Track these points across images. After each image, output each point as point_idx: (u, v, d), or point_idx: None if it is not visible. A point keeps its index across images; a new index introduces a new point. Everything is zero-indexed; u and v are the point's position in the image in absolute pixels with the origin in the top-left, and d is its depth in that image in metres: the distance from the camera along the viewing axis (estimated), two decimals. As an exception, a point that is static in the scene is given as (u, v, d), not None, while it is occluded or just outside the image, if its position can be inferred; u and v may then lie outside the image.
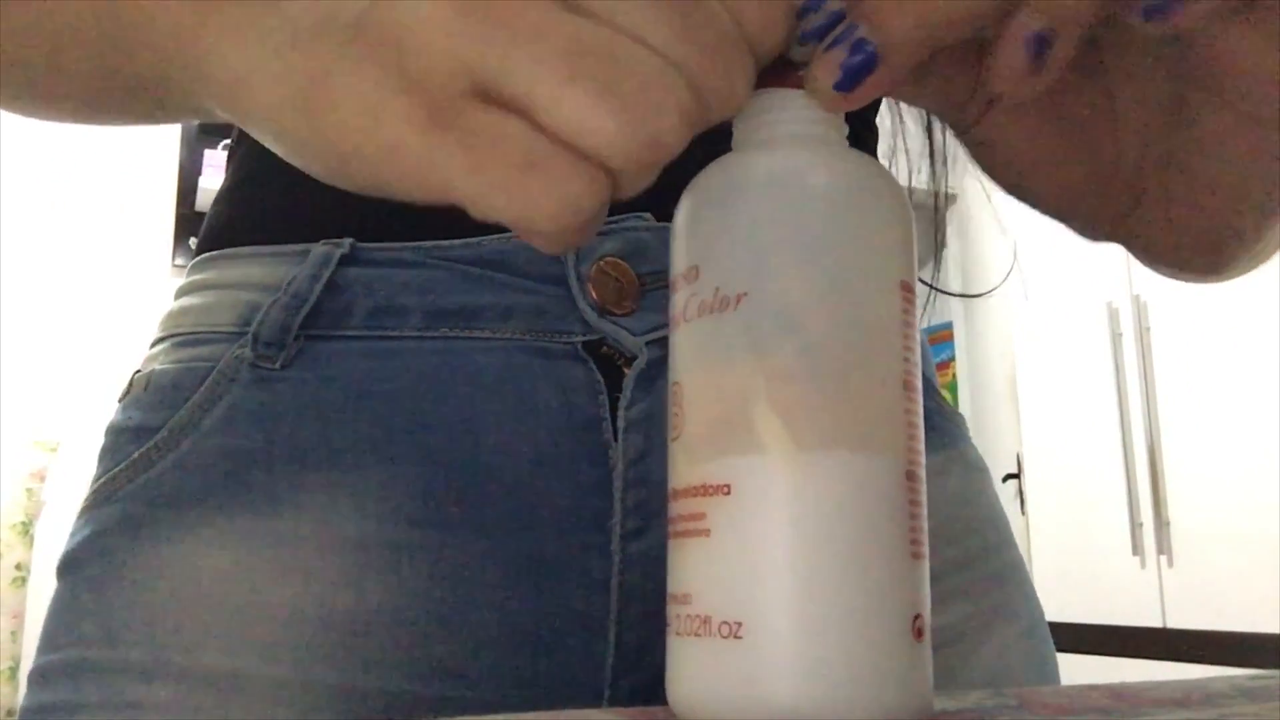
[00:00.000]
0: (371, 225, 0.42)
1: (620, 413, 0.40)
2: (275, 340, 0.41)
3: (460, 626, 0.38)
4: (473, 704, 0.38)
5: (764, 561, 0.23)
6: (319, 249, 0.42)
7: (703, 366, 0.24)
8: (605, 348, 0.41)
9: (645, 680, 0.40)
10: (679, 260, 0.26)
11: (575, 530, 0.40)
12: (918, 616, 0.23)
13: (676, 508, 0.25)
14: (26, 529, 2.61)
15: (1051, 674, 0.49)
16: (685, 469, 0.24)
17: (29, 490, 2.59)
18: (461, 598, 0.39)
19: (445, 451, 0.40)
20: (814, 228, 0.24)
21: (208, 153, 2.83)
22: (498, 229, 0.42)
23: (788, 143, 0.25)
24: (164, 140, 2.81)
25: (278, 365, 0.41)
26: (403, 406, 0.40)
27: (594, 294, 0.41)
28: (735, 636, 0.22)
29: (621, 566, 0.40)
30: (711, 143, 0.41)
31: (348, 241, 0.42)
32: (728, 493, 0.23)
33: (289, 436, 0.40)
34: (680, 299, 0.25)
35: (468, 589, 0.39)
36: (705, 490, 0.24)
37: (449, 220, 0.42)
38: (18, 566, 2.61)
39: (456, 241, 0.42)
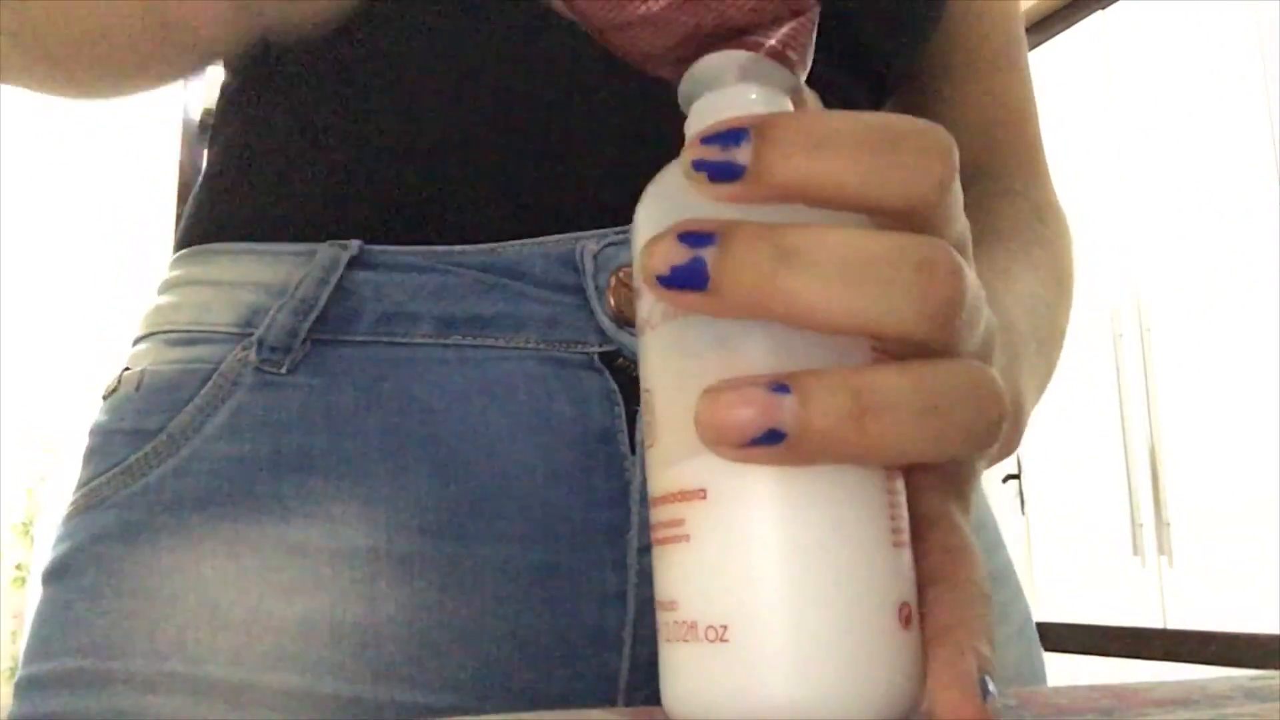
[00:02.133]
0: (378, 225, 0.42)
1: (637, 425, 0.40)
2: (282, 345, 0.40)
3: (472, 639, 0.38)
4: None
5: (744, 562, 0.22)
6: (326, 250, 0.41)
7: (671, 371, 0.24)
8: (621, 359, 0.41)
9: (659, 695, 0.39)
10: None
11: (590, 543, 0.39)
12: (904, 605, 0.23)
13: (656, 515, 0.25)
14: (27, 529, 2.61)
15: (1040, 673, 0.49)
16: (661, 476, 0.24)
17: (30, 490, 2.59)
18: (474, 610, 0.38)
19: (458, 462, 0.39)
20: (771, 220, 0.23)
21: (208, 153, 2.83)
22: (514, 234, 0.41)
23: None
24: (164, 140, 2.81)
25: (284, 370, 0.40)
26: (414, 415, 0.39)
27: (611, 304, 0.40)
28: (722, 640, 0.22)
29: (637, 580, 0.39)
30: None
31: (355, 243, 0.41)
32: (704, 496, 0.23)
33: (297, 443, 0.39)
34: (644, 305, 0.25)
35: (480, 601, 0.38)
36: (682, 495, 0.23)
37: (461, 225, 0.41)
38: (18, 567, 2.61)
39: (470, 247, 0.41)
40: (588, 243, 0.41)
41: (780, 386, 0.21)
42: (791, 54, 0.25)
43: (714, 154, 0.22)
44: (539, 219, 0.41)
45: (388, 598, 0.38)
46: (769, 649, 0.22)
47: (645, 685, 0.39)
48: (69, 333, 2.64)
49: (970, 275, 0.23)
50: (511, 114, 0.41)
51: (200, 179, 0.48)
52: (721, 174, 0.22)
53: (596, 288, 0.41)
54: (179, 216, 2.80)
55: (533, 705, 0.38)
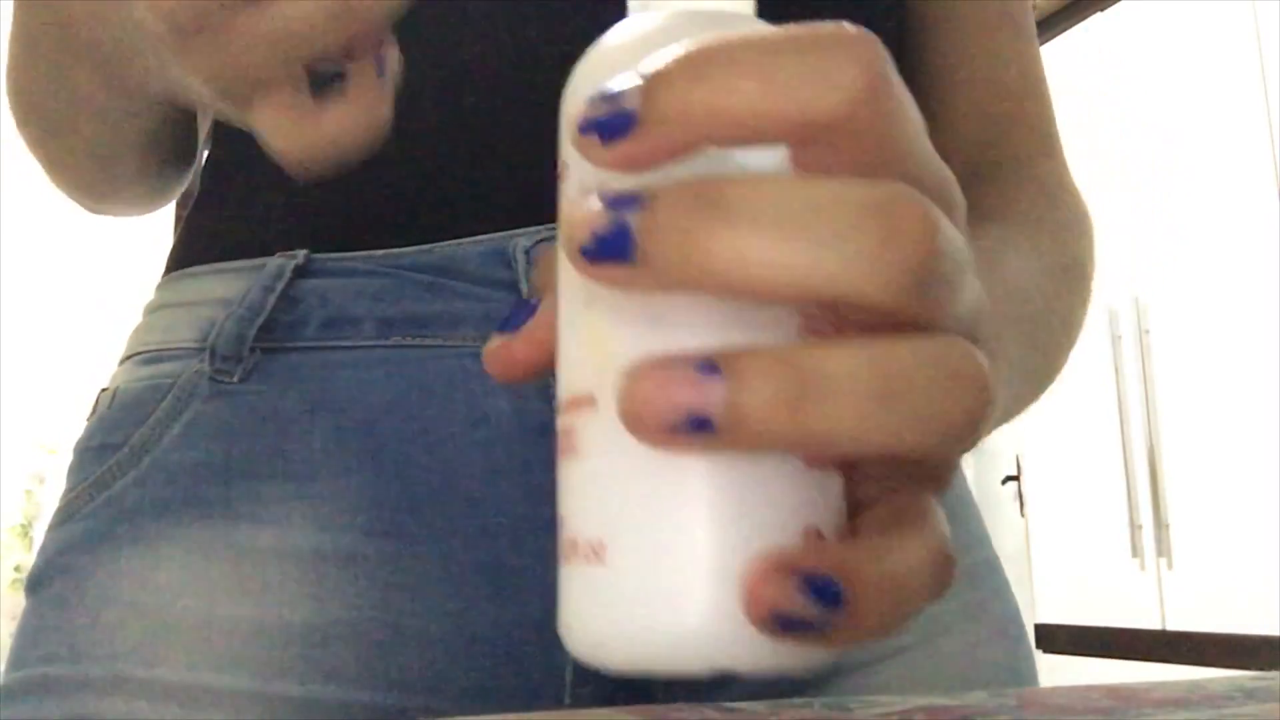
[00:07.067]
0: (326, 236, 0.43)
1: None
2: (231, 354, 0.41)
3: (418, 637, 0.39)
4: (432, 714, 0.38)
5: (624, 475, 0.20)
6: (274, 261, 0.42)
7: (569, 271, 0.22)
8: None
9: (605, 689, 0.40)
10: (561, 151, 0.23)
11: (532, 538, 0.40)
12: (812, 529, 0.20)
13: (558, 424, 0.22)
14: (26, 531, 2.61)
15: (1026, 673, 0.47)
16: (561, 384, 0.22)
17: (29, 492, 2.59)
18: (419, 608, 0.39)
19: (398, 462, 0.40)
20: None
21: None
22: (450, 234, 0.42)
23: (686, 13, 0.22)
24: (164, 142, 2.82)
25: (236, 378, 0.41)
26: (355, 417, 0.40)
27: None
28: (598, 560, 0.20)
29: None
30: None
31: (302, 253, 0.42)
32: (593, 404, 0.21)
33: (246, 450, 0.40)
34: (560, 199, 0.23)
35: (425, 599, 0.39)
36: (574, 404, 0.21)
37: (402, 228, 0.43)
38: (17, 568, 2.61)
39: (408, 249, 0.42)
40: (520, 239, 0.42)
41: (709, 366, 0.18)
42: None
43: (600, 110, 0.19)
44: (473, 218, 0.42)
45: (333, 598, 0.39)
46: (641, 571, 0.19)
47: (591, 681, 0.40)
48: (68, 333, 2.64)
49: (947, 228, 0.19)
50: (446, 118, 0.43)
51: (185, 214, 0.50)
52: (612, 129, 0.19)
53: (529, 283, 0.41)
54: (178, 219, 2.80)
55: (482, 703, 0.39)
